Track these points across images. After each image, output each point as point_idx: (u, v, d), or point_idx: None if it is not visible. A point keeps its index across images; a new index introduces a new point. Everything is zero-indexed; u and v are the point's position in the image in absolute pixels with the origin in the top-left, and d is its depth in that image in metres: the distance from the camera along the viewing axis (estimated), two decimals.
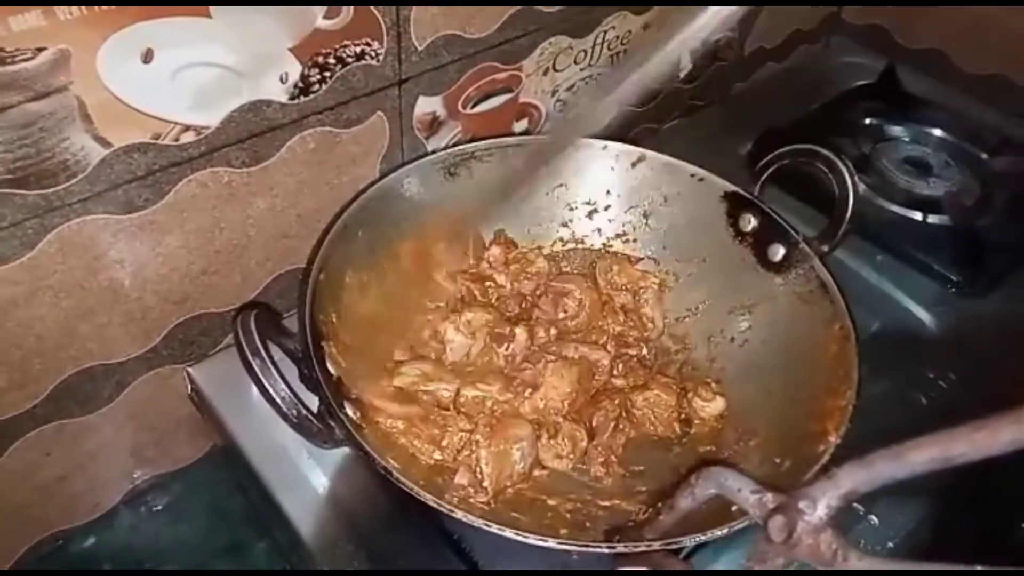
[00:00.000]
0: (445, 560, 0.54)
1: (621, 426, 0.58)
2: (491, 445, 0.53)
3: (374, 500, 0.57)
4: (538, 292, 0.66)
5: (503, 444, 0.53)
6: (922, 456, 0.27)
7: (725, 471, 0.37)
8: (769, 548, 0.32)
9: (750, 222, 0.63)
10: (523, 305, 0.65)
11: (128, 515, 0.69)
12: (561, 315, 0.64)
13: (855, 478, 0.29)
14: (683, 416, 0.60)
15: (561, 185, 0.69)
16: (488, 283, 0.64)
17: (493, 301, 0.65)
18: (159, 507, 0.70)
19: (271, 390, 0.45)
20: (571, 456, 0.55)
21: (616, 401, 0.59)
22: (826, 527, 0.30)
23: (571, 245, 0.71)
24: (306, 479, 0.58)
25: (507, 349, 0.59)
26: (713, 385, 0.60)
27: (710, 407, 0.59)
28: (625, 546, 0.43)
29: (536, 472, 0.55)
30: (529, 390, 0.57)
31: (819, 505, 0.30)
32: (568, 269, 0.70)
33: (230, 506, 0.71)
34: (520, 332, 0.60)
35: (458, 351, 0.60)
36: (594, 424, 0.57)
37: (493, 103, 0.71)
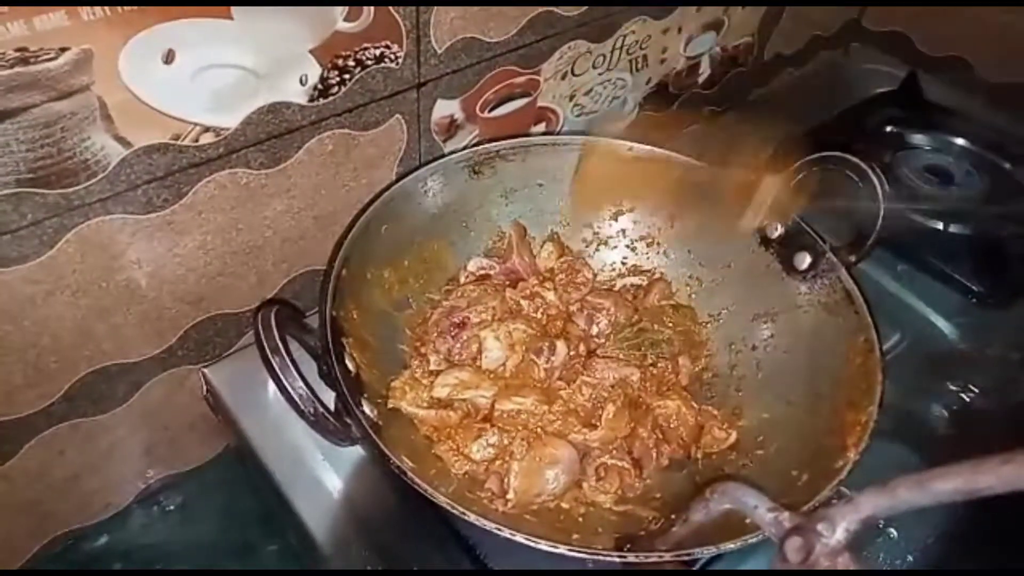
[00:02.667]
0: (458, 564, 0.54)
1: (661, 449, 0.57)
2: (524, 459, 0.53)
3: (388, 502, 0.57)
4: (575, 307, 0.64)
5: (537, 461, 0.53)
6: (946, 486, 0.26)
7: (742, 487, 0.37)
8: (784, 568, 0.31)
9: (777, 229, 0.62)
10: (562, 320, 0.63)
11: (141, 514, 0.69)
12: (594, 331, 0.63)
13: (875, 504, 0.29)
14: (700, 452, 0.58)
15: None
16: (537, 299, 0.63)
17: (539, 316, 0.63)
18: (172, 507, 0.70)
19: (289, 386, 0.45)
20: (617, 492, 0.54)
21: (650, 426, 0.57)
22: (844, 550, 0.29)
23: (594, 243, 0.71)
24: (320, 481, 0.58)
25: (547, 362, 0.58)
26: (722, 422, 0.59)
27: (722, 441, 0.58)
28: (636, 556, 0.43)
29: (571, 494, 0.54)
30: (584, 428, 0.56)
31: (838, 528, 0.29)
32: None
33: (243, 507, 0.71)
34: (561, 346, 0.59)
35: (493, 361, 0.59)
36: (636, 455, 0.56)
37: (511, 107, 0.71)
